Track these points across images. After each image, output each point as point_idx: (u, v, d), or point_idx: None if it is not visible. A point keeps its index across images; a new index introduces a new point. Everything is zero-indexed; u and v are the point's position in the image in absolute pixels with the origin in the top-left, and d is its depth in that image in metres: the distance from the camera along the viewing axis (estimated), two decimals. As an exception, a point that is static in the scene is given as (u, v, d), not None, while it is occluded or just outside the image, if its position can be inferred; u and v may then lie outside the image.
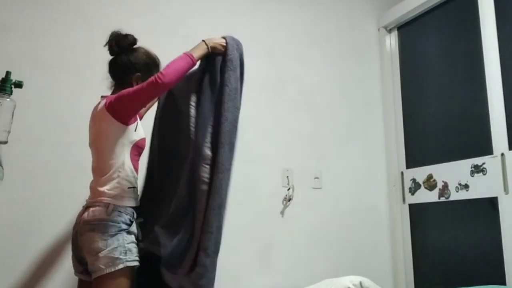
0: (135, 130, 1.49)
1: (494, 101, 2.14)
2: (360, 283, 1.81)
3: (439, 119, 2.47)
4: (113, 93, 1.58)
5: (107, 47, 1.59)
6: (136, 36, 2.22)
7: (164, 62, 2.29)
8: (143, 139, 1.54)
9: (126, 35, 1.59)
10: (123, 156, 1.45)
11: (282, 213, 2.42)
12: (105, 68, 2.16)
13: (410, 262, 2.57)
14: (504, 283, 2.01)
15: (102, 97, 1.56)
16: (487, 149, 2.15)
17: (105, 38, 2.16)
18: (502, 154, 2.08)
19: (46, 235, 1.88)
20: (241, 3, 2.51)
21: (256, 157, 2.41)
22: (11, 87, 1.51)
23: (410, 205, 2.60)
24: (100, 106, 1.49)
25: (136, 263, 1.37)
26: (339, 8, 2.79)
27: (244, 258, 2.28)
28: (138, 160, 1.54)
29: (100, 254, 1.31)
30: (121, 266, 1.31)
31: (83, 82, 2.09)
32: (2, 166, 1.56)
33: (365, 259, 2.57)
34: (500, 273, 2.04)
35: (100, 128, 1.48)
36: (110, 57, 1.64)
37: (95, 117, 1.51)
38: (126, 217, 1.38)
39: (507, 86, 2.10)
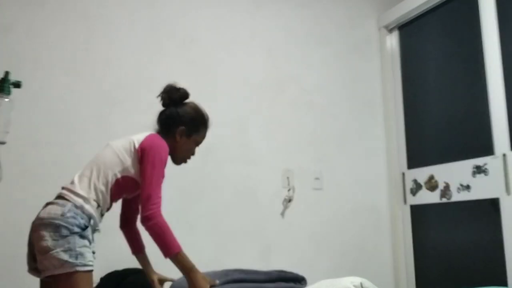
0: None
1: (495, 101, 2.13)
2: (361, 284, 1.80)
3: (440, 119, 2.46)
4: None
5: (160, 98, 1.62)
6: (136, 36, 2.23)
7: (164, 61, 2.30)
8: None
9: (179, 89, 1.61)
10: (112, 181, 1.43)
11: (282, 214, 2.41)
12: (105, 68, 2.16)
13: (411, 263, 2.56)
14: (505, 284, 2.00)
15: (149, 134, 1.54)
16: (488, 150, 2.14)
17: (105, 38, 2.17)
18: (504, 155, 2.07)
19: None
20: (241, 3, 2.51)
21: (257, 157, 2.40)
22: (10, 87, 1.50)
23: (412, 206, 2.59)
24: (140, 138, 1.49)
25: (90, 268, 1.31)
26: (339, 8, 2.78)
27: (244, 258, 2.27)
28: (119, 198, 1.51)
29: (49, 254, 1.27)
30: (70, 270, 1.26)
31: (83, 82, 2.09)
32: (0, 167, 1.55)
33: (366, 260, 2.56)
34: (501, 274, 2.03)
35: (125, 149, 1.48)
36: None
37: (132, 141, 1.50)
38: (81, 221, 1.32)
39: (508, 86, 2.09)
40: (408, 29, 2.73)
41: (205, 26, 2.39)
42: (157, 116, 1.62)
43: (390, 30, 2.85)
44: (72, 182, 1.42)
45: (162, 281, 1.65)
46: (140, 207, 1.40)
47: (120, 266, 1.91)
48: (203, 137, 1.63)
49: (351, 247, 2.54)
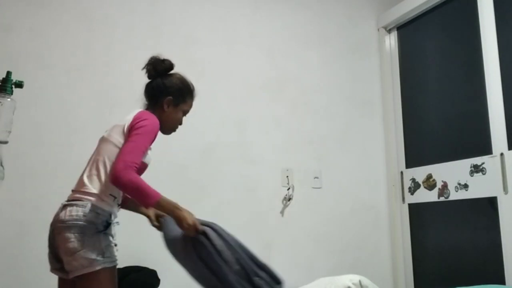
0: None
1: (493, 101, 2.14)
2: (360, 281, 1.82)
3: (439, 119, 2.47)
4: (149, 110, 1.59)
5: (145, 70, 1.62)
6: (136, 36, 2.23)
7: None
8: (145, 164, 1.52)
9: (164, 60, 1.61)
10: None
11: (282, 212, 2.42)
12: (105, 68, 2.17)
13: (409, 261, 2.57)
14: (503, 283, 2.01)
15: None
16: (486, 149, 2.16)
17: (105, 38, 2.18)
18: (502, 154, 2.08)
19: (46, 235, 1.88)
20: (241, 3, 2.52)
21: (256, 156, 2.41)
22: (12, 87, 1.51)
23: (410, 205, 2.61)
24: (129, 118, 1.50)
25: (115, 263, 1.38)
26: (339, 8, 2.79)
27: (244, 257, 2.28)
28: None
29: (76, 255, 1.31)
30: (98, 267, 1.31)
31: (84, 82, 2.09)
32: (2, 166, 1.56)
33: (364, 258, 2.57)
34: (499, 273, 2.04)
35: (120, 136, 1.47)
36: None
37: (123, 125, 1.49)
38: (103, 219, 1.38)
39: (506, 86, 2.10)
40: (407, 30, 2.75)
41: (205, 26, 2.40)
42: (143, 89, 1.64)
43: (389, 31, 2.86)
44: (84, 184, 1.42)
45: (158, 216, 1.63)
46: (110, 173, 1.38)
47: (121, 264, 1.92)
48: (190, 106, 1.64)
49: (350, 245, 2.55)
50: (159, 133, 1.54)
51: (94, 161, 1.47)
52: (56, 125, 2.01)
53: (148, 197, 1.36)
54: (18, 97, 1.58)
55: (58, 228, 1.37)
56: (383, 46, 2.84)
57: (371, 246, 2.61)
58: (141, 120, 1.46)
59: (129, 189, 1.35)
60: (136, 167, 1.36)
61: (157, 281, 1.97)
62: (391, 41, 2.84)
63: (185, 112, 1.63)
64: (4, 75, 1.50)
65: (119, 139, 1.45)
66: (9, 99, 1.49)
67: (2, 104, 1.47)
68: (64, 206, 1.41)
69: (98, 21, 2.16)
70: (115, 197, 1.44)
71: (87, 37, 2.13)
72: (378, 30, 2.88)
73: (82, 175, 1.46)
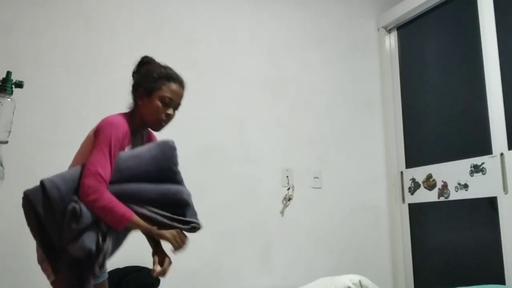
0: None
1: (493, 101, 2.14)
2: (360, 281, 1.82)
3: (439, 119, 2.47)
4: (131, 113, 1.49)
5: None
6: (136, 36, 2.23)
7: (164, 61, 2.30)
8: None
9: (144, 57, 1.52)
10: None
11: (282, 212, 2.42)
12: (105, 68, 2.17)
13: (409, 261, 2.57)
14: (503, 283, 2.01)
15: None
16: (486, 149, 2.16)
17: (105, 38, 2.18)
18: (502, 154, 2.08)
19: (46, 235, 1.88)
20: (241, 3, 2.52)
21: (256, 157, 2.41)
22: (12, 87, 1.51)
23: (410, 205, 2.61)
24: (91, 130, 1.42)
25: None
26: (339, 8, 2.80)
27: (244, 257, 2.28)
28: None
29: (43, 265, 1.29)
30: (53, 278, 1.26)
31: (83, 82, 2.09)
32: (2, 166, 1.56)
33: (364, 258, 2.57)
34: (499, 273, 2.04)
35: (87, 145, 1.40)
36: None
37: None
38: None
39: (506, 86, 2.10)
40: (407, 30, 2.75)
41: (205, 26, 2.40)
42: None
43: (389, 31, 2.86)
44: None
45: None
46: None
47: (121, 264, 1.92)
48: (170, 91, 1.43)
49: (350, 245, 2.55)
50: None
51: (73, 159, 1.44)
52: (56, 125, 2.01)
53: (119, 219, 1.23)
54: (18, 97, 1.58)
55: None
56: (383, 46, 2.84)
57: (371, 246, 2.61)
58: (102, 129, 1.34)
59: (102, 207, 1.23)
60: (105, 181, 1.25)
61: (157, 281, 1.97)
62: (391, 41, 2.84)
63: (164, 99, 1.43)
64: (4, 75, 1.50)
65: (89, 143, 1.38)
66: (9, 99, 1.49)
67: (2, 104, 1.47)
68: None
69: (98, 21, 2.16)
70: None
71: (87, 37, 2.13)
72: (378, 30, 2.88)
73: None
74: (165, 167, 1.38)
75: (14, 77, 1.54)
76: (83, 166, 1.28)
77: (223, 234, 2.27)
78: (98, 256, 1.22)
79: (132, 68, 1.55)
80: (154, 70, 1.46)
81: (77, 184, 1.25)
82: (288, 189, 2.44)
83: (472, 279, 2.14)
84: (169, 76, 1.46)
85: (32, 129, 1.96)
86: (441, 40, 2.51)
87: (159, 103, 1.43)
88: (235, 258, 2.26)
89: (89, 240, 1.20)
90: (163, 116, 1.44)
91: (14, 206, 1.88)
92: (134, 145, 1.46)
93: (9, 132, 1.51)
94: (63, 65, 2.06)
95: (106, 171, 1.26)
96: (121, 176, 1.30)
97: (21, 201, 1.88)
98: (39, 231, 1.24)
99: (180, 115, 2.36)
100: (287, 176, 2.45)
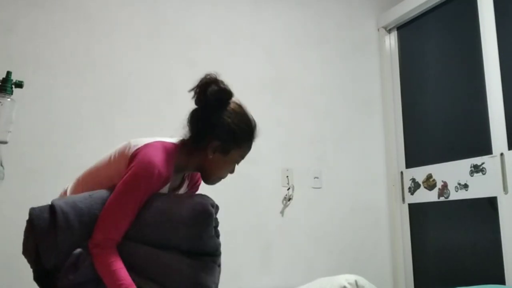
0: None
1: (493, 101, 2.14)
2: (356, 281, 1.82)
3: (439, 119, 2.47)
4: (182, 148, 1.24)
5: (193, 93, 1.24)
6: (136, 36, 2.23)
7: (164, 61, 2.31)
8: None
9: (218, 82, 1.20)
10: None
11: (282, 212, 2.42)
12: (105, 68, 2.17)
13: (409, 261, 2.57)
14: (503, 283, 2.01)
15: (138, 148, 1.17)
16: (486, 149, 2.16)
17: (105, 38, 2.18)
18: (502, 154, 2.08)
19: (46, 235, 1.88)
20: (242, 3, 2.52)
21: (256, 157, 2.41)
22: (12, 87, 1.51)
23: (410, 205, 2.61)
24: (128, 150, 1.18)
25: None
26: (339, 8, 2.80)
27: (244, 257, 2.28)
28: None
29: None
30: None
31: (83, 82, 2.09)
32: (2, 166, 1.56)
33: (364, 258, 2.57)
34: (499, 273, 2.05)
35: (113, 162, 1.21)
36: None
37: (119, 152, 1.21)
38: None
39: (506, 86, 2.10)
40: (407, 30, 2.75)
41: (205, 26, 2.40)
42: (188, 115, 1.27)
43: (389, 31, 2.86)
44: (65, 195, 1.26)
45: None
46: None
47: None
48: (246, 152, 1.25)
49: (350, 246, 2.55)
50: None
51: (87, 171, 1.25)
52: (56, 125, 2.01)
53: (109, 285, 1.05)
54: (18, 97, 1.58)
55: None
56: (383, 46, 2.84)
57: (371, 246, 2.61)
58: (132, 168, 1.11)
59: (97, 266, 1.07)
60: (115, 242, 1.09)
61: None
62: (391, 41, 2.84)
63: (238, 161, 1.25)
64: (4, 75, 1.50)
65: (119, 167, 1.16)
66: (9, 99, 1.49)
67: (2, 104, 1.47)
68: None
69: (98, 21, 2.16)
70: None
71: (87, 37, 2.13)
72: (378, 30, 2.88)
73: (70, 184, 1.29)
74: (193, 235, 1.16)
75: (14, 77, 1.54)
76: (104, 205, 1.11)
77: (223, 234, 2.26)
78: None
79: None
80: (241, 127, 1.20)
81: (93, 219, 1.10)
82: (288, 189, 2.44)
83: (472, 279, 2.14)
84: (254, 134, 1.24)
85: (32, 129, 1.96)
86: (441, 40, 2.51)
87: (232, 165, 1.25)
88: (235, 258, 2.26)
89: None
90: (227, 174, 1.28)
91: (14, 206, 1.89)
92: (171, 184, 1.25)
93: (9, 132, 1.50)
94: (63, 65, 2.06)
95: (120, 231, 1.10)
96: (140, 229, 1.13)
97: (21, 201, 1.89)
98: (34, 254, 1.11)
99: (180, 115, 2.35)
100: (287, 176, 2.45)
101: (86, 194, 1.16)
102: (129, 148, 1.17)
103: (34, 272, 1.13)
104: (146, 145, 1.16)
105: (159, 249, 1.12)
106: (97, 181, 1.20)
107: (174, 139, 1.26)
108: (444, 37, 2.49)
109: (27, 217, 1.91)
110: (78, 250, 1.08)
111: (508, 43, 2.11)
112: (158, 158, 1.13)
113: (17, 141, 1.86)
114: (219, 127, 1.18)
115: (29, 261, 1.13)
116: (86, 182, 1.23)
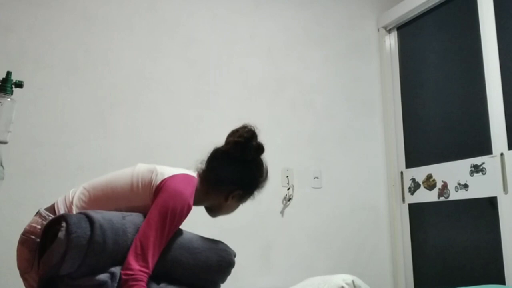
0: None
1: (493, 101, 2.14)
2: (353, 281, 1.82)
3: (439, 119, 2.48)
4: (201, 184, 1.29)
5: (230, 143, 1.29)
6: (136, 36, 2.23)
7: (164, 61, 2.30)
8: None
9: (256, 139, 1.29)
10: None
11: (282, 212, 2.42)
12: (105, 68, 2.17)
13: (409, 261, 2.57)
14: (503, 283, 2.01)
15: (164, 179, 1.20)
16: (486, 149, 2.16)
17: (105, 38, 2.18)
18: (502, 154, 2.09)
19: (46, 235, 1.88)
20: (241, 3, 2.52)
21: (256, 157, 2.41)
22: (12, 87, 1.51)
23: (410, 205, 2.61)
24: (156, 178, 1.21)
25: None
26: (338, 8, 2.80)
27: (244, 257, 2.28)
28: None
29: (26, 275, 1.17)
30: None
31: (83, 82, 2.09)
32: (2, 166, 1.56)
33: (364, 258, 2.57)
34: (499, 273, 2.05)
35: (142, 186, 1.22)
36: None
37: (153, 179, 1.22)
38: None
39: (506, 86, 2.10)
40: (407, 30, 2.75)
41: (205, 26, 2.40)
42: (210, 156, 1.32)
43: (389, 31, 2.86)
44: (70, 202, 1.24)
45: None
46: (126, 261, 1.11)
47: (121, 265, 1.92)
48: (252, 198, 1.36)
49: (350, 246, 2.55)
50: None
51: (100, 189, 1.24)
52: (56, 125, 2.01)
53: None
54: (18, 97, 1.58)
55: (20, 237, 1.21)
56: (383, 46, 2.84)
57: (371, 246, 2.61)
58: (173, 198, 1.14)
59: None
60: (148, 276, 1.11)
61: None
62: (391, 41, 2.84)
63: (243, 203, 1.37)
64: (4, 75, 1.50)
65: (142, 195, 1.18)
66: (9, 99, 1.49)
67: (2, 104, 1.47)
68: (37, 212, 1.25)
69: (98, 21, 2.16)
70: None
71: (87, 37, 2.13)
72: (378, 30, 2.88)
73: (77, 190, 1.28)
74: (210, 279, 1.25)
75: (14, 77, 1.54)
76: (138, 232, 1.13)
77: (223, 234, 2.26)
78: None
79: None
80: (262, 183, 1.34)
81: (126, 242, 1.12)
82: (288, 189, 2.44)
83: (472, 279, 2.14)
84: (265, 184, 1.35)
85: (32, 129, 1.96)
86: (441, 40, 2.51)
87: (239, 205, 1.36)
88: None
89: None
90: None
91: (14, 206, 1.89)
92: None
93: (9, 132, 1.50)
94: (63, 65, 2.06)
95: (155, 259, 1.11)
96: (163, 265, 1.16)
97: (21, 201, 1.89)
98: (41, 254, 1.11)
99: (180, 115, 2.36)
100: (287, 176, 2.45)
101: (119, 214, 1.16)
102: (156, 176, 1.20)
103: (43, 280, 1.10)
104: (174, 177, 1.19)
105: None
106: (114, 201, 1.21)
107: (193, 172, 1.30)
108: (444, 37, 2.49)
109: (27, 217, 1.90)
110: (108, 274, 1.08)
111: (508, 43, 2.11)
112: (188, 192, 1.18)
113: (17, 141, 1.86)
114: (246, 179, 1.28)
115: (44, 268, 1.10)
116: (100, 200, 1.22)
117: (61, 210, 1.22)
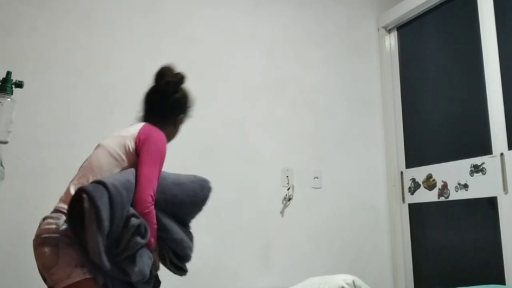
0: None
1: (493, 101, 2.14)
2: (353, 282, 1.82)
3: (439, 119, 2.48)
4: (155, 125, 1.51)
5: (157, 78, 1.56)
6: (136, 36, 2.24)
7: (164, 61, 2.30)
8: None
9: (178, 73, 1.57)
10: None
11: (282, 212, 2.43)
12: (105, 68, 2.17)
13: (409, 261, 2.57)
14: (503, 283, 2.01)
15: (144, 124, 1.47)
16: (486, 149, 2.16)
17: (105, 38, 2.18)
18: (502, 154, 2.09)
19: (46, 235, 1.88)
20: (241, 3, 2.52)
21: (256, 157, 2.41)
22: (12, 87, 1.51)
23: (410, 205, 2.61)
24: (134, 133, 1.43)
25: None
26: (338, 8, 2.80)
27: (244, 257, 2.28)
28: None
29: (53, 269, 1.25)
30: (78, 279, 1.25)
31: (84, 82, 2.09)
32: (2, 166, 1.56)
33: (364, 258, 2.57)
34: (499, 273, 2.05)
35: (120, 148, 1.42)
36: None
37: (125, 137, 1.43)
38: None
39: (506, 86, 2.10)
40: (407, 30, 2.75)
41: (205, 26, 2.40)
42: (146, 99, 1.56)
43: (389, 31, 2.86)
44: (68, 195, 1.34)
45: None
46: (136, 200, 1.33)
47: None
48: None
49: (350, 246, 2.55)
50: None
51: (84, 169, 1.40)
52: (56, 125, 2.01)
53: (153, 236, 1.35)
54: (18, 97, 1.58)
55: (34, 243, 1.32)
56: (383, 46, 2.84)
57: (371, 246, 2.61)
58: (155, 142, 1.41)
59: (151, 223, 1.34)
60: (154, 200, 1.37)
61: (157, 282, 1.96)
62: (391, 41, 2.84)
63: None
64: (4, 75, 1.50)
65: (118, 152, 1.39)
66: (9, 99, 1.49)
67: (2, 104, 1.47)
68: (43, 219, 1.35)
69: (98, 21, 2.16)
70: None
71: (87, 37, 2.13)
72: (378, 30, 2.88)
73: (70, 183, 1.39)
74: (196, 203, 1.52)
75: (14, 77, 1.54)
76: (137, 176, 1.35)
77: (223, 234, 2.27)
78: (149, 282, 1.36)
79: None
80: (189, 98, 1.59)
81: (132, 193, 1.33)
82: (288, 189, 2.44)
83: (472, 279, 2.14)
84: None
85: (32, 129, 1.96)
86: (441, 40, 2.51)
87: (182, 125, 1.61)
88: (234, 258, 2.26)
89: (145, 265, 1.29)
90: None
91: (14, 206, 1.89)
92: None
93: (9, 132, 1.51)
94: (63, 65, 2.06)
95: (155, 189, 1.37)
96: (164, 200, 1.43)
97: (21, 201, 1.89)
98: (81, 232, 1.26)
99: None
100: (287, 176, 2.45)
101: (118, 173, 1.37)
102: (128, 140, 1.42)
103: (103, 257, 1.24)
104: (144, 127, 1.44)
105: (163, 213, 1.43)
106: (102, 171, 1.38)
107: (140, 123, 1.51)
108: (444, 37, 2.49)
109: (27, 216, 1.91)
110: (136, 220, 1.28)
111: (508, 43, 2.11)
112: (160, 132, 1.46)
113: (17, 141, 1.87)
114: (185, 104, 1.57)
115: (98, 233, 1.22)
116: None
117: (65, 207, 1.32)
